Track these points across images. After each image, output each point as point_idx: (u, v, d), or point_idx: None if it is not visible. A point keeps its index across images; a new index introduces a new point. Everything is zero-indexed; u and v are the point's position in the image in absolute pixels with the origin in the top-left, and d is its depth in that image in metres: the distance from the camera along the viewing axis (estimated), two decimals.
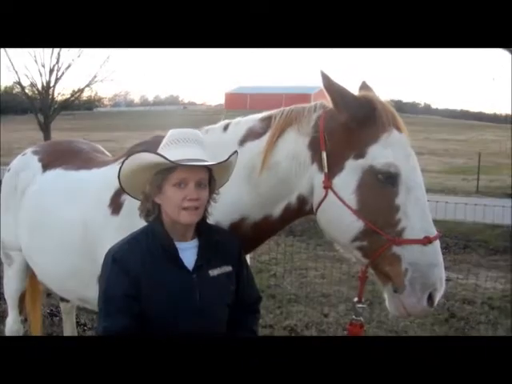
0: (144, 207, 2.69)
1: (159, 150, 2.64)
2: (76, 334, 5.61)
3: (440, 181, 22.58)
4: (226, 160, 2.62)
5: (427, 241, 2.59)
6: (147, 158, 2.58)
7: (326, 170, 2.72)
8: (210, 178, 2.66)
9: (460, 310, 7.54)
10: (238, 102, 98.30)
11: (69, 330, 5.52)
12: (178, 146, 2.59)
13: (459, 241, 11.53)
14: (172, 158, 2.51)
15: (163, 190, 2.58)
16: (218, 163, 2.59)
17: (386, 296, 2.76)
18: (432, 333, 6.73)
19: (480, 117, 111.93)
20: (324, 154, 2.73)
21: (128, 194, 2.81)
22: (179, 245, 2.65)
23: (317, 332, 6.72)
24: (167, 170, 2.55)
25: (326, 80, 2.72)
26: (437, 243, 2.63)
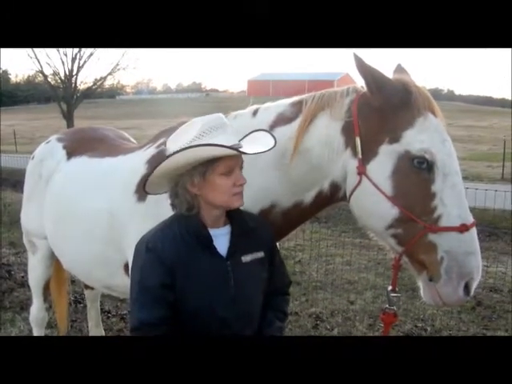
0: (184, 199, 2.58)
1: (194, 142, 2.50)
2: (100, 322, 5.64)
3: (464, 167, 22.29)
4: (274, 145, 2.62)
5: (464, 228, 2.50)
6: (206, 150, 2.45)
7: (359, 155, 2.64)
8: None
9: (487, 299, 7.44)
10: (260, 89, 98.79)
11: (93, 317, 5.53)
12: (218, 133, 2.50)
13: (484, 228, 11.37)
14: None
15: (208, 180, 2.50)
16: (270, 149, 2.60)
17: (420, 284, 2.69)
18: (459, 321, 6.67)
19: (503, 103, 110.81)
20: (358, 140, 2.65)
21: (150, 190, 2.68)
22: (212, 231, 2.60)
23: (342, 320, 6.68)
24: (211, 160, 2.47)
25: (359, 62, 2.62)
26: (473, 231, 2.54)
